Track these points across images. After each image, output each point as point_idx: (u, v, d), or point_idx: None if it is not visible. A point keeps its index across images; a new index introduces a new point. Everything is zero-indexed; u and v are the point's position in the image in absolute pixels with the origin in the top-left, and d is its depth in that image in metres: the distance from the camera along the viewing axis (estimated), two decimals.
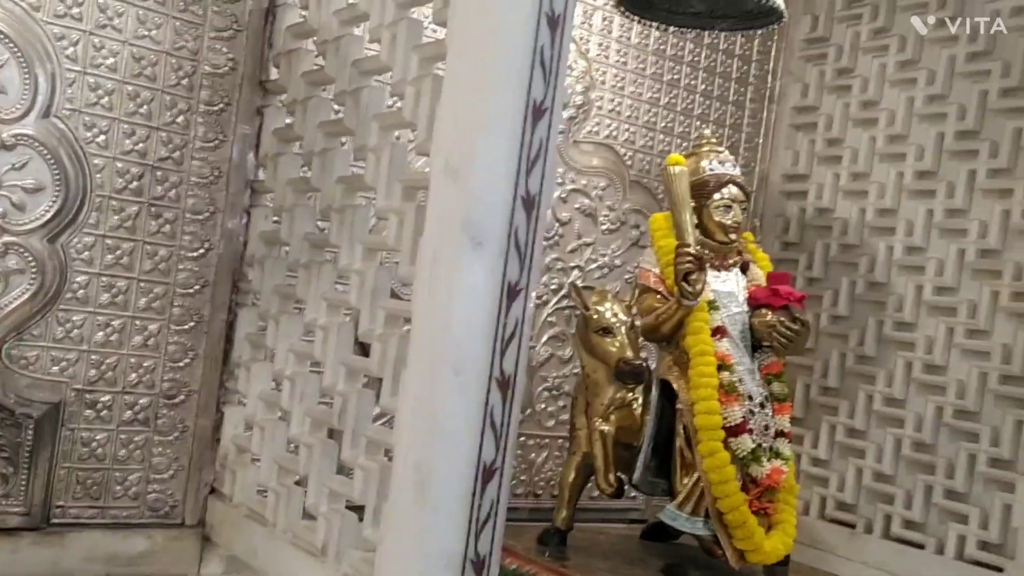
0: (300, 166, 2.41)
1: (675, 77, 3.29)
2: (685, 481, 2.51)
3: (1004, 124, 2.85)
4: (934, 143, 3.01)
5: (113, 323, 2.37)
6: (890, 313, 3.06)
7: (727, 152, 2.76)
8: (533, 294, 1.67)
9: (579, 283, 3.03)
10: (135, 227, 2.38)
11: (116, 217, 2.35)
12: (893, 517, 2.97)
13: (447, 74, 1.68)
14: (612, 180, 3.17)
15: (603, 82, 3.14)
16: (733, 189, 2.66)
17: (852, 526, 3.08)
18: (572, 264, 3.10)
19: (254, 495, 2.37)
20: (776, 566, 2.50)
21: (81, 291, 2.33)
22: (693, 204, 2.57)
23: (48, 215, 2.27)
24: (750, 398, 2.52)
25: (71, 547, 2.34)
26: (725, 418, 2.45)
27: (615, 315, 2.60)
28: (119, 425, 2.40)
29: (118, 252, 2.36)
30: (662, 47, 3.25)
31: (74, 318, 2.32)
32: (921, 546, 2.88)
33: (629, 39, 3.19)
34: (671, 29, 3.06)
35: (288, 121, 2.46)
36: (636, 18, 2.94)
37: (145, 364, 2.42)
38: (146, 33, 2.36)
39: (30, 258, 2.26)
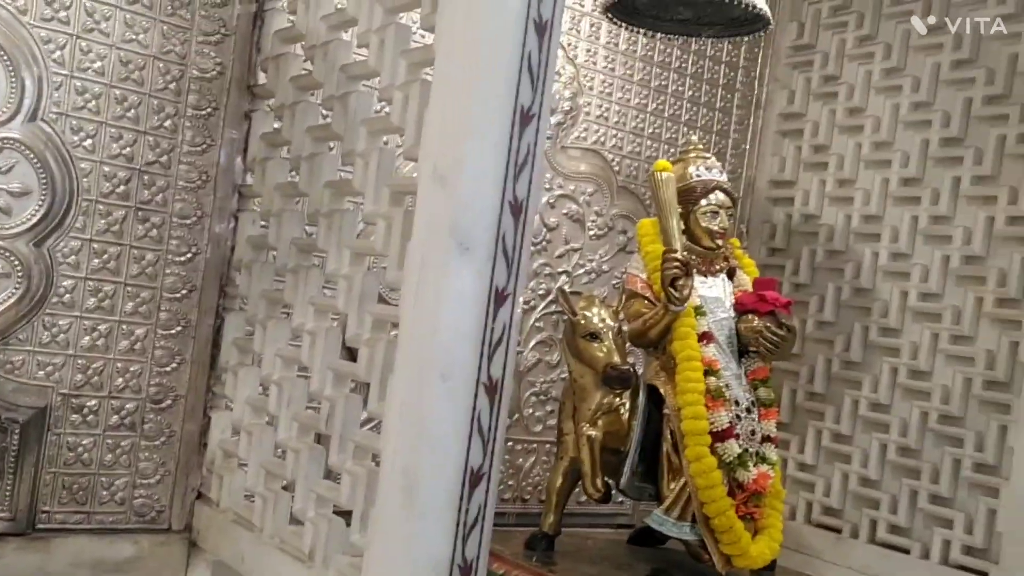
0: (288, 171, 2.41)
1: (662, 83, 3.30)
2: (672, 486, 2.51)
3: (988, 131, 2.87)
4: (919, 150, 3.03)
5: (100, 327, 2.37)
6: (875, 319, 3.08)
7: (714, 158, 2.78)
8: (520, 299, 1.68)
9: (567, 288, 3.04)
10: (122, 231, 2.38)
11: (103, 221, 2.35)
12: (879, 522, 2.98)
13: (435, 79, 1.69)
14: (600, 186, 3.18)
15: (591, 88, 3.15)
16: (720, 195, 2.68)
17: (838, 531, 3.09)
18: (560, 269, 3.11)
19: (241, 500, 2.37)
20: (762, 571, 2.50)
21: (67, 295, 2.32)
22: (680, 210, 2.58)
23: (34, 219, 2.26)
24: (737, 403, 2.53)
25: (57, 553, 2.33)
26: (712, 423, 2.46)
27: (602, 320, 2.61)
28: (105, 430, 2.39)
29: (105, 256, 2.36)
30: (649, 53, 3.27)
31: (60, 322, 2.32)
32: (906, 551, 2.90)
33: (617, 45, 3.20)
34: (658, 35, 3.08)
35: (276, 126, 2.46)
36: (623, 24, 2.95)
37: (132, 369, 2.41)
38: (133, 37, 2.36)
39: (16, 262, 2.25)
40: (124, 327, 2.40)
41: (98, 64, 2.32)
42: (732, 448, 2.46)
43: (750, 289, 2.66)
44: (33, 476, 2.30)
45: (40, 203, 2.27)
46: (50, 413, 2.31)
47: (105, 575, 2.39)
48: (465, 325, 1.60)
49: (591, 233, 3.17)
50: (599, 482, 2.58)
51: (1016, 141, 2.81)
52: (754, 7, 2.69)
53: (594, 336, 2.59)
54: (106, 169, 2.35)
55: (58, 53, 2.27)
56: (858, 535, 3.03)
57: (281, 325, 2.33)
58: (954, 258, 2.91)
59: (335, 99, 2.16)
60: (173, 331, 2.46)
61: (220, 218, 2.50)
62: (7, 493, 2.27)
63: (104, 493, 2.40)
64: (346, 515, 1.96)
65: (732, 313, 2.63)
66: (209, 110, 2.47)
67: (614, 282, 3.18)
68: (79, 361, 2.35)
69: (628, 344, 2.65)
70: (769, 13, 2.76)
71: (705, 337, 2.54)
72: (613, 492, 2.65)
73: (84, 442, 2.37)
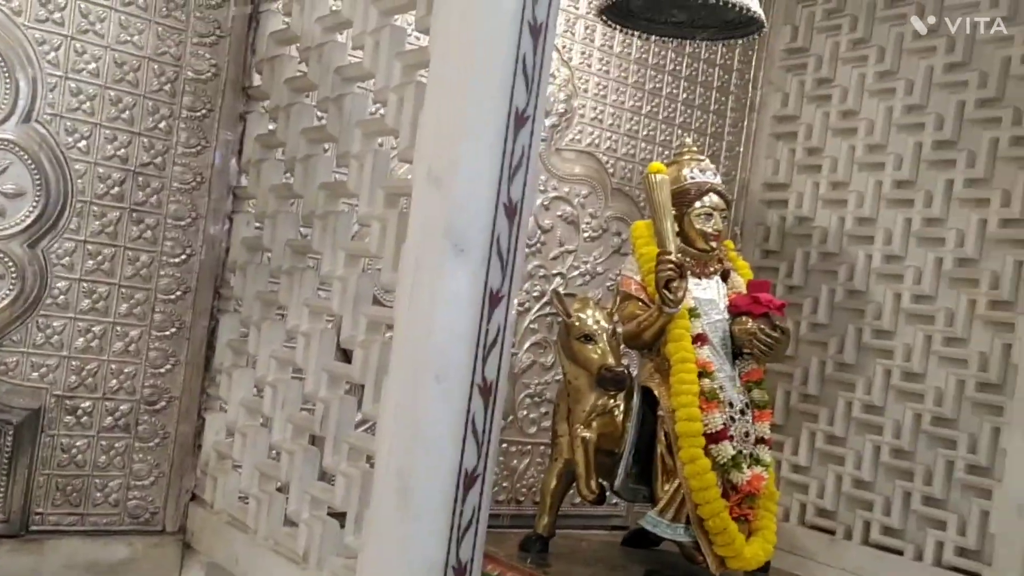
0: (283, 172, 2.41)
1: (657, 86, 3.31)
2: (666, 488, 2.52)
3: (981, 134, 2.88)
4: (912, 153, 3.04)
5: (94, 329, 2.36)
6: (869, 321, 3.08)
7: (708, 160, 2.78)
8: (515, 301, 1.68)
9: (561, 290, 3.04)
10: (116, 233, 2.37)
11: (97, 222, 2.35)
12: (872, 523, 2.99)
13: (430, 81, 1.69)
14: (594, 188, 3.19)
15: (585, 90, 3.16)
16: (714, 197, 2.68)
17: (832, 532, 3.10)
18: (554, 271, 3.11)
19: (235, 502, 2.37)
20: (756, 572, 2.51)
21: (62, 297, 2.32)
22: (674, 212, 2.59)
23: (28, 220, 2.26)
24: (731, 405, 2.54)
25: (50, 555, 2.32)
26: (706, 425, 2.47)
27: (597, 322, 2.61)
28: (99, 431, 2.39)
29: (99, 258, 2.36)
30: (644, 56, 3.27)
31: (54, 324, 2.31)
32: (900, 552, 2.91)
33: (611, 48, 3.20)
34: (653, 38, 3.08)
35: (271, 127, 2.46)
36: (618, 27, 2.96)
37: (126, 370, 2.41)
38: (128, 38, 2.36)
39: (10, 263, 2.24)
40: (118, 328, 2.39)
41: (93, 65, 2.32)
42: (726, 450, 2.47)
43: (744, 291, 2.66)
44: (27, 478, 2.29)
45: (34, 204, 2.26)
46: (44, 414, 2.31)
47: None
48: (460, 327, 1.60)
49: (585, 235, 3.18)
50: (593, 484, 2.58)
51: (1009, 144, 2.82)
52: (748, 10, 2.70)
53: (588, 338, 2.59)
54: (100, 170, 2.34)
55: (52, 54, 2.27)
56: (851, 537, 3.04)
57: (276, 327, 2.33)
58: (947, 260, 2.92)
59: (330, 101, 2.16)
60: (167, 332, 2.45)
61: (215, 219, 2.50)
62: (0, 495, 2.27)
63: (98, 495, 2.40)
64: (340, 517, 1.96)
65: (726, 315, 2.64)
66: (204, 111, 2.47)
67: (608, 284, 3.19)
68: (73, 362, 2.34)
69: (622, 346, 2.65)
70: (763, 16, 2.77)
71: (699, 339, 2.55)
72: (607, 494, 2.65)
73: (78, 443, 2.36)
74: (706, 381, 2.50)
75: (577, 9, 3.12)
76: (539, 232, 3.07)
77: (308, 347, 2.14)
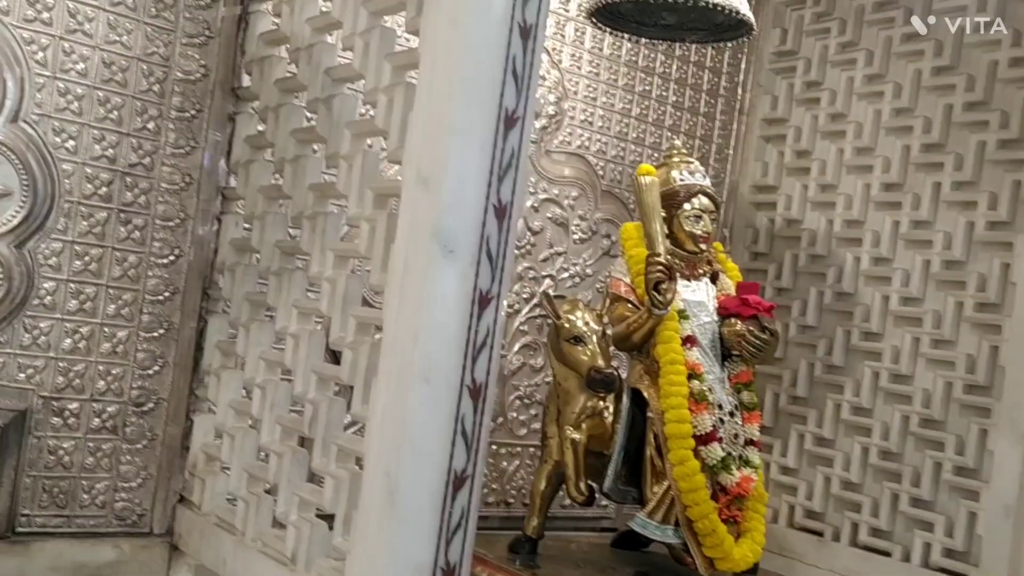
0: (272, 173, 2.40)
1: (646, 88, 3.32)
2: (655, 489, 2.52)
3: (968, 137, 2.90)
4: (900, 155, 3.06)
5: (81, 330, 2.35)
6: (857, 323, 3.09)
7: (697, 163, 2.78)
8: (504, 302, 1.68)
9: (551, 292, 3.04)
10: (104, 233, 2.36)
11: (85, 223, 2.34)
12: (860, 525, 3.00)
13: (419, 82, 1.69)
14: (584, 190, 3.19)
15: (575, 92, 3.16)
16: (703, 199, 2.68)
17: (820, 534, 3.11)
18: (544, 273, 3.11)
19: (223, 504, 2.36)
20: (745, 574, 2.51)
21: (49, 297, 2.31)
22: (664, 214, 2.59)
23: (15, 220, 2.25)
24: (720, 407, 2.54)
25: (37, 556, 2.31)
26: (695, 427, 2.47)
27: (586, 324, 2.61)
28: (87, 433, 2.38)
29: (87, 258, 2.35)
30: (634, 58, 3.28)
31: (41, 325, 2.30)
32: (888, 554, 2.91)
33: (601, 50, 3.21)
34: (642, 40, 3.09)
35: (260, 128, 2.45)
36: (608, 29, 2.96)
37: (114, 372, 2.40)
38: (117, 38, 2.35)
39: None
40: (106, 330, 2.38)
41: (81, 65, 2.31)
42: (715, 451, 2.47)
43: (733, 293, 2.67)
44: (13, 479, 2.28)
45: (21, 204, 2.25)
46: (31, 416, 2.30)
47: None
48: (449, 328, 1.60)
49: (575, 237, 3.18)
50: (583, 485, 2.58)
51: (996, 147, 2.83)
52: (738, 13, 2.71)
53: (578, 340, 2.59)
54: (88, 171, 2.33)
55: (41, 54, 2.26)
56: (840, 538, 3.05)
57: (264, 328, 2.33)
58: (935, 263, 2.93)
59: (319, 102, 2.16)
60: (155, 334, 2.45)
61: (203, 220, 2.49)
62: None
63: (85, 497, 2.38)
64: (329, 519, 1.96)
65: (715, 317, 2.64)
66: (193, 112, 2.46)
67: (598, 286, 3.19)
68: (60, 364, 2.33)
69: (612, 348, 2.65)
70: (752, 19, 2.77)
71: (688, 341, 2.55)
72: (597, 495, 2.65)
73: (65, 445, 2.35)
74: (695, 383, 2.51)
75: (567, 12, 3.12)
76: (529, 234, 3.07)
77: (297, 348, 2.14)
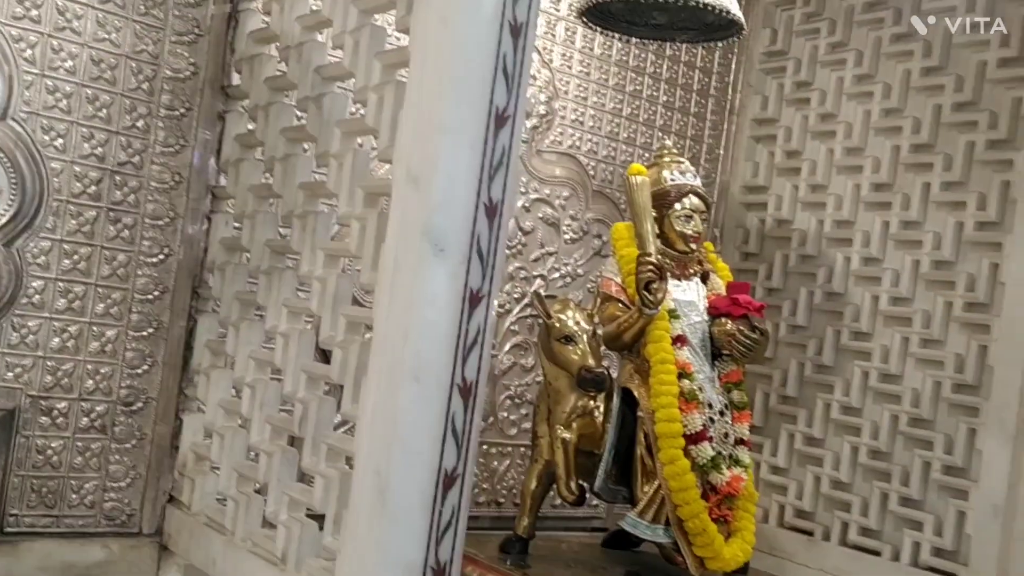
0: (262, 172, 2.40)
1: (637, 88, 3.32)
2: (646, 489, 2.52)
3: (957, 137, 2.91)
4: (890, 156, 3.07)
5: (70, 329, 2.34)
6: (847, 323, 3.10)
7: (688, 163, 2.79)
8: (495, 301, 1.68)
9: (542, 292, 3.04)
10: (93, 232, 2.36)
11: (74, 222, 2.33)
12: (850, 524, 3.01)
13: (410, 81, 1.69)
14: (575, 190, 3.19)
15: (566, 92, 3.16)
16: (694, 199, 2.69)
17: (810, 533, 3.11)
18: (535, 273, 3.11)
19: (213, 503, 2.35)
20: (735, 573, 2.51)
21: (37, 296, 2.29)
22: (654, 214, 2.59)
23: (4, 219, 2.24)
24: (710, 406, 2.54)
25: (25, 556, 2.30)
26: (685, 426, 2.47)
27: (577, 323, 2.61)
28: (75, 432, 2.37)
29: (75, 257, 2.34)
30: (624, 58, 3.28)
31: (30, 323, 2.29)
32: (877, 553, 2.92)
33: (592, 50, 3.21)
34: (633, 40, 3.09)
35: (250, 127, 2.45)
36: (598, 29, 2.96)
37: (102, 371, 2.39)
38: (106, 36, 2.34)
39: None
40: (95, 329, 2.37)
41: (69, 63, 2.30)
42: (705, 451, 2.47)
43: (724, 293, 2.67)
44: (1, 479, 2.27)
45: (10, 203, 2.24)
46: (19, 415, 2.28)
47: None
48: (439, 327, 1.59)
49: (566, 237, 3.18)
50: (573, 485, 2.58)
51: (985, 148, 2.84)
52: (728, 13, 2.71)
53: (569, 339, 2.59)
54: (77, 169, 2.32)
55: (29, 52, 2.25)
56: (830, 537, 3.05)
57: (254, 327, 2.32)
58: (924, 263, 2.94)
59: (310, 100, 2.15)
60: (144, 333, 2.44)
61: (193, 219, 2.48)
62: None
63: (73, 496, 2.37)
64: (319, 518, 1.95)
65: (706, 317, 2.64)
66: (182, 111, 2.45)
67: (589, 286, 3.19)
68: (48, 363, 2.32)
69: (602, 347, 2.65)
70: (743, 19, 2.78)
71: (679, 340, 2.55)
72: (587, 495, 2.65)
73: (53, 445, 2.34)
74: (685, 382, 2.51)
75: (558, 11, 3.12)
76: (520, 234, 3.07)
77: (287, 348, 2.13)
